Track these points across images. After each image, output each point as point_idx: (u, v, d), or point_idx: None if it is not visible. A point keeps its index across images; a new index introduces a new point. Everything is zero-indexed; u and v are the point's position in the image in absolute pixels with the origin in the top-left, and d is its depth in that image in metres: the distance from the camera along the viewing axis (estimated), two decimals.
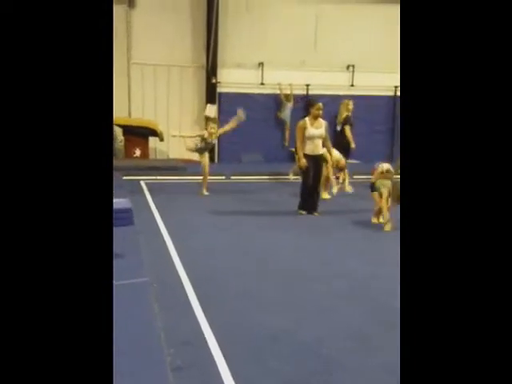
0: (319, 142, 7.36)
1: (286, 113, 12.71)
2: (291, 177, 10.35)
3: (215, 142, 8.85)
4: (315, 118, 7.29)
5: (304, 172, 7.40)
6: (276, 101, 12.89)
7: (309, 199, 7.44)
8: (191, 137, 8.83)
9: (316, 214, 7.45)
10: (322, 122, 7.35)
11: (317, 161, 7.43)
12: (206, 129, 8.77)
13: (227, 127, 8.85)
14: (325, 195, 8.52)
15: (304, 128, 7.28)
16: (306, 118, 7.35)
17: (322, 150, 7.43)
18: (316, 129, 7.29)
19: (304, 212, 7.43)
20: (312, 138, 7.29)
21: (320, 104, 7.36)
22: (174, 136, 8.99)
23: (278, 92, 12.76)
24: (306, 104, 7.38)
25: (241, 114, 8.71)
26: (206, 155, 8.78)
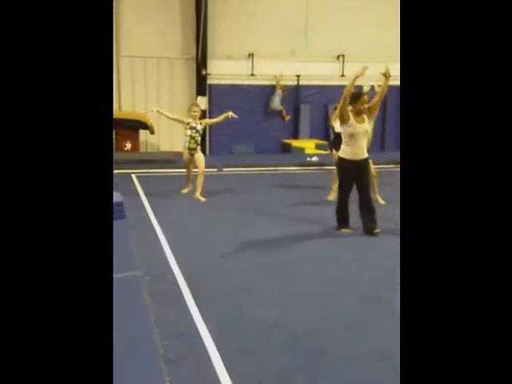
0: (364, 143, 5.90)
1: (276, 101, 12.76)
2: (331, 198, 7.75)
3: (201, 128, 8.09)
4: (358, 113, 5.88)
5: (341, 184, 6.07)
6: (266, 92, 12.85)
7: (364, 214, 5.96)
8: (170, 117, 8.30)
9: (376, 231, 5.89)
10: (366, 118, 5.95)
11: (361, 167, 5.90)
12: (189, 113, 8.16)
13: (216, 119, 8.64)
14: (380, 200, 7.47)
15: (348, 117, 5.83)
16: (350, 112, 5.93)
17: (366, 154, 5.97)
18: (360, 124, 5.86)
19: (349, 230, 6.06)
20: (355, 135, 5.81)
21: (365, 97, 6.03)
22: (152, 111, 8.51)
23: (274, 83, 12.75)
24: (351, 98, 5.85)
25: (230, 114, 8.32)
26: (198, 151, 8.19)
